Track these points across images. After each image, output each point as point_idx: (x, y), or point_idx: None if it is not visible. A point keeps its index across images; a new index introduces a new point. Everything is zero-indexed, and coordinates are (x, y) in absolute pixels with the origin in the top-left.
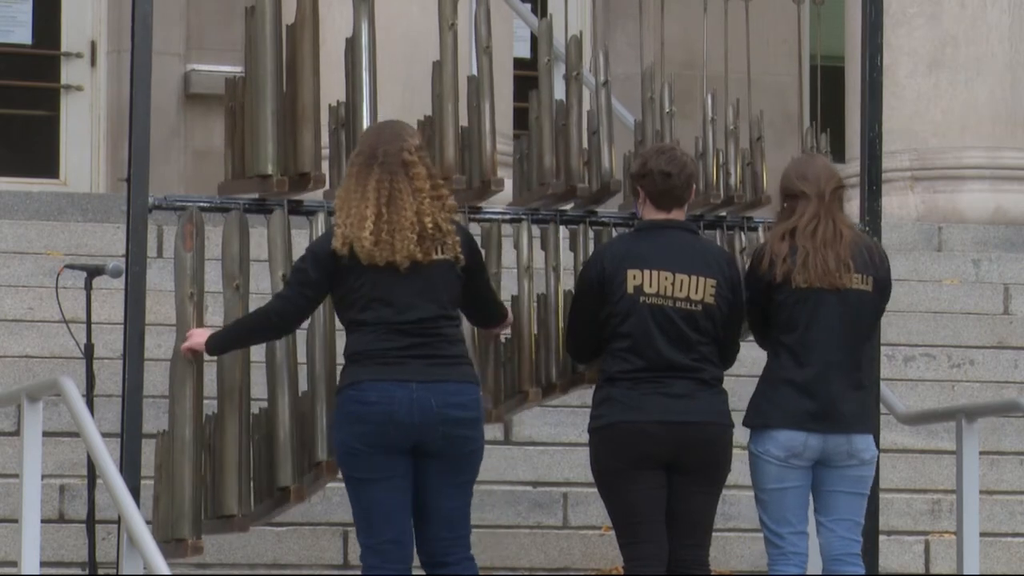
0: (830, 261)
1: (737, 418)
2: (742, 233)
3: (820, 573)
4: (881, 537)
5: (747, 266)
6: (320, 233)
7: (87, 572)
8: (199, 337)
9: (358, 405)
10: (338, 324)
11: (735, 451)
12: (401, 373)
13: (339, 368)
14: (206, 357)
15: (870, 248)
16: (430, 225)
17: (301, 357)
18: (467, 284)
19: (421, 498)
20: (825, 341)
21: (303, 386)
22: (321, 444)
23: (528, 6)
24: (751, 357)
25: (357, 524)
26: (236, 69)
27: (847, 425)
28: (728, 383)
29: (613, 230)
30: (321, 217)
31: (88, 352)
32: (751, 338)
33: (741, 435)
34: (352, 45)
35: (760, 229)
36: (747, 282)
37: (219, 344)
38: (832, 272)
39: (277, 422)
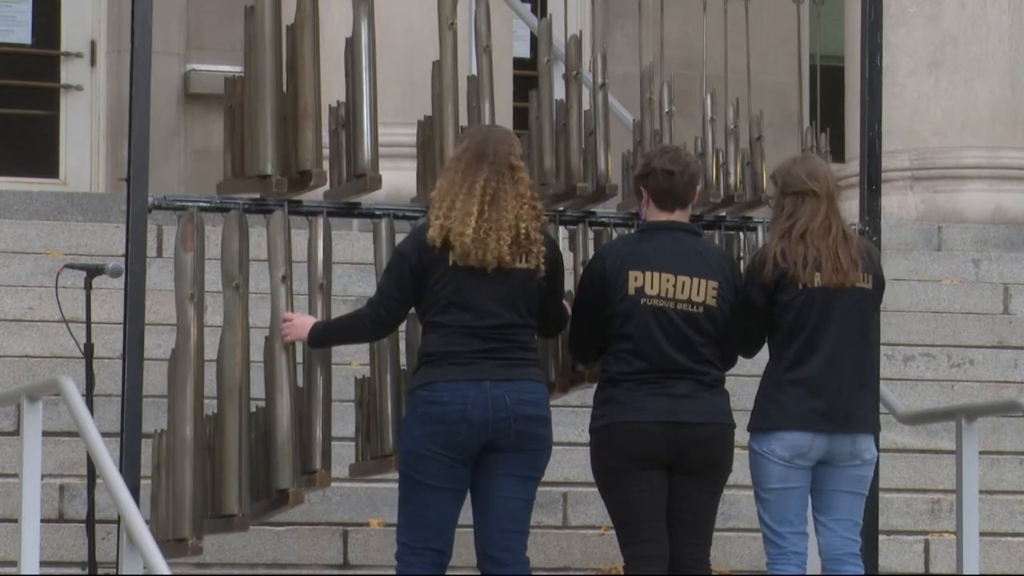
0: (844, 260)
1: (738, 418)
2: (741, 233)
3: (819, 573)
4: (881, 537)
5: (746, 270)
6: (320, 234)
7: (87, 572)
8: (301, 330)
9: (431, 405)
10: None
11: (735, 451)
12: (474, 373)
13: (336, 369)
14: (206, 356)
15: (868, 248)
16: (523, 231)
17: (298, 357)
18: (544, 295)
19: (485, 488)
20: (835, 340)
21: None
22: (316, 452)
23: (528, 6)
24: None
25: (403, 522)
26: (236, 69)
27: (853, 425)
28: (728, 383)
29: (613, 231)
30: (320, 218)
31: (88, 352)
32: None
33: (741, 435)
34: (352, 45)
35: (759, 229)
36: (747, 286)
37: (320, 339)
38: (845, 271)
39: (276, 423)
